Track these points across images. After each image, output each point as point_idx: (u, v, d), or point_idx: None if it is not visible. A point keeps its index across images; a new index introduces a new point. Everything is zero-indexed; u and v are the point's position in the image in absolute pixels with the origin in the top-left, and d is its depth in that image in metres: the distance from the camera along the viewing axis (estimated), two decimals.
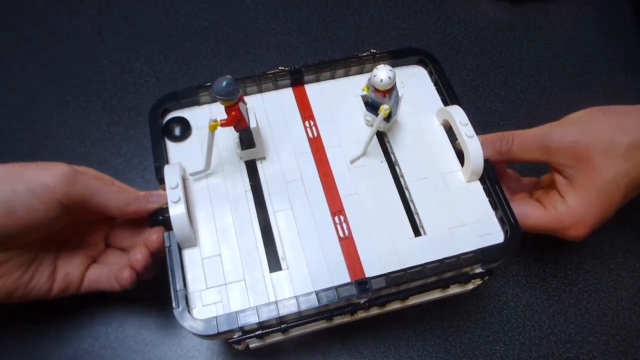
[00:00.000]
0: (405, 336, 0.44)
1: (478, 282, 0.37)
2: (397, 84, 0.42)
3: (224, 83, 0.31)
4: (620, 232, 0.49)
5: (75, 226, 0.39)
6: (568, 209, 0.38)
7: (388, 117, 0.38)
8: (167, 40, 0.59)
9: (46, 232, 0.37)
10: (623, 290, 0.47)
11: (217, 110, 0.41)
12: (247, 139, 0.37)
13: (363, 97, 0.42)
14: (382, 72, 0.35)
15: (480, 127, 0.54)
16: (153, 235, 0.36)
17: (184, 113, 0.41)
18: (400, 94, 0.39)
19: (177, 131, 0.39)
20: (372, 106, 0.39)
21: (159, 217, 0.36)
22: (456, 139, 0.39)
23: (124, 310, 0.44)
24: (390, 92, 0.37)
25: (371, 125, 0.40)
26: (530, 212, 0.39)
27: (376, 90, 0.37)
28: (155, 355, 0.43)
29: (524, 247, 0.47)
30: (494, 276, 0.47)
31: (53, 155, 0.52)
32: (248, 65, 0.58)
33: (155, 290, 0.45)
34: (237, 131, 0.36)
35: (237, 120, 0.34)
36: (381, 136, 0.41)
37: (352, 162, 0.39)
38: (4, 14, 0.61)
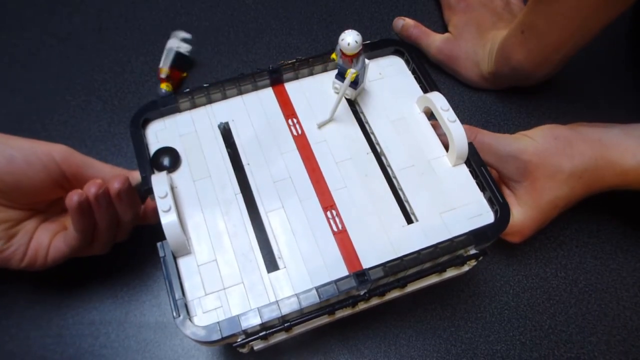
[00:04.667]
0: (405, 336, 0.45)
1: (473, 263, 0.38)
2: (374, 75, 0.43)
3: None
4: (621, 232, 0.50)
5: (59, 201, 0.41)
6: (512, 220, 0.43)
7: (355, 84, 0.40)
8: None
9: (37, 200, 0.39)
10: (624, 290, 0.47)
11: (198, 117, 0.40)
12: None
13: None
14: (349, 36, 0.36)
15: (481, 127, 0.54)
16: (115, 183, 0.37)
17: (165, 121, 0.40)
18: (367, 63, 0.40)
19: (166, 162, 0.38)
20: (340, 74, 0.40)
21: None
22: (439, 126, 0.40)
23: (125, 310, 0.44)
24: (356, 57, 0.37)
25: (334, 91, 0.42)
26: None
27: (343, 55, 0.37)
28: (156, 355, 0.43)
29: (524, 247, 0.48)
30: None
31: None
32: (248, 65, 0.58)
33: (155, 290, 0.45)
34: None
35: None
36: (365, 128, 0.41)
37: (319, 126, 0.40)
38: (4, 14, 0.60)
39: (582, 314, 0.46)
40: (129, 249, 0.46)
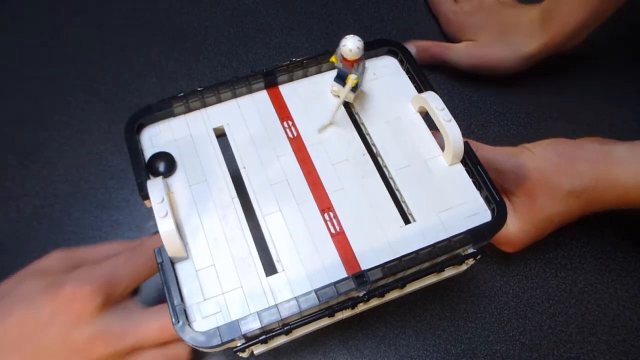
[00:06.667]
0: (405, 336, 0.45)
1: (471, 262, 0.38)
2: (369, 76, 0.43)
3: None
4: (621, 232, 0.50)
5: None
6: (506, 231, 0.44)
7: (355, 88, 0.39)
8: (168, 40, 0.59)
9: None
10: (624, 291, 0.48)
11: (193, 121, 0.40)
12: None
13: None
14: (351, 42, 0.36)
15: (481, 127, 0.55)
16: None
17: (160, 126, 0.40)
18: (366, 66, 0.39)
19: (162, 167, 0.38)
20: (339, 76, 0.40)
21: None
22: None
23: None
24: (357, 62, 0.37)
25: (338, 96, 0.41)
26: None
27: (344, 60, 0.37)
28: None
29: (524, 247, 0.48)
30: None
31: (54, 156, 0.52)
32: (248, 64, 0.58)
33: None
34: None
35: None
36: (360, 129, 0.41)
37: (320, 130, 0.40)
38: (4, 14, 0.60)
39: (582, 314, 0.46)
40: None
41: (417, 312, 0.45)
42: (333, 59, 0.39)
